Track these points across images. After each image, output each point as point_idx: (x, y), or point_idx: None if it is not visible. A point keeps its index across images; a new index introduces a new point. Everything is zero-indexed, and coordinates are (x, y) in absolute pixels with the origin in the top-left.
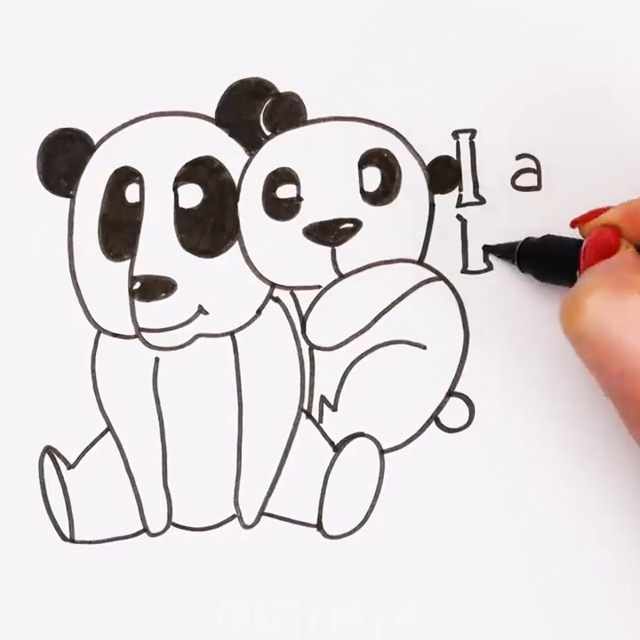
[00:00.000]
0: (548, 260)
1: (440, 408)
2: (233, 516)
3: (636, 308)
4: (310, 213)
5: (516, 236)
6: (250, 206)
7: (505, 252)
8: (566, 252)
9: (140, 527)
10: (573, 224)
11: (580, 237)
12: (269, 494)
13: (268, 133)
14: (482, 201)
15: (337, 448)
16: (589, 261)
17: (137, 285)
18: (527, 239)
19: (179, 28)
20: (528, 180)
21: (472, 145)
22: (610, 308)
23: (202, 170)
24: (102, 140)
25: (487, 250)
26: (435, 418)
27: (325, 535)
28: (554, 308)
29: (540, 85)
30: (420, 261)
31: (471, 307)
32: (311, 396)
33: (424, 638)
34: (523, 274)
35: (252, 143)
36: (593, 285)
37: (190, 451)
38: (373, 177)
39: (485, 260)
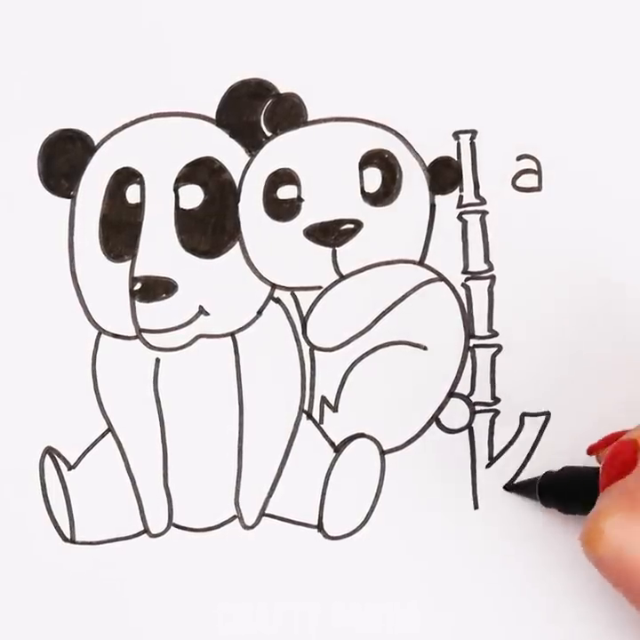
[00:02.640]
0: (570, 493)
1: (441, 409)
2: (233, 517)
3: None
4: (311, 214)
5: (517, 237)
6: (250, 207)
7: (526, 488)
8: (586, 482)
9: (141, 528)
10: (590, 451)
11: (596, 465)
12: (270, 495)
13: (268, 134)
14: (482, 202)
15: (337, 449)
16: (607, 479)
17: (137, 286)
18: (546, 473)
19: (179, 29)
20: (529, 180)
21: (473, 145)
22: (628, 530)
23: (202, 170)
24: (103, 141)
25: (508, 488)
26: (435, 418)
27: (326, 536)
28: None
29: (540, 86)
30: (421, 262)
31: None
32: (312, 396)
33: (424, 638)
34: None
35: (252, 144)
36: (610, 507)
37: (191, 451)
38: (374, 177)
39: (486, 260)
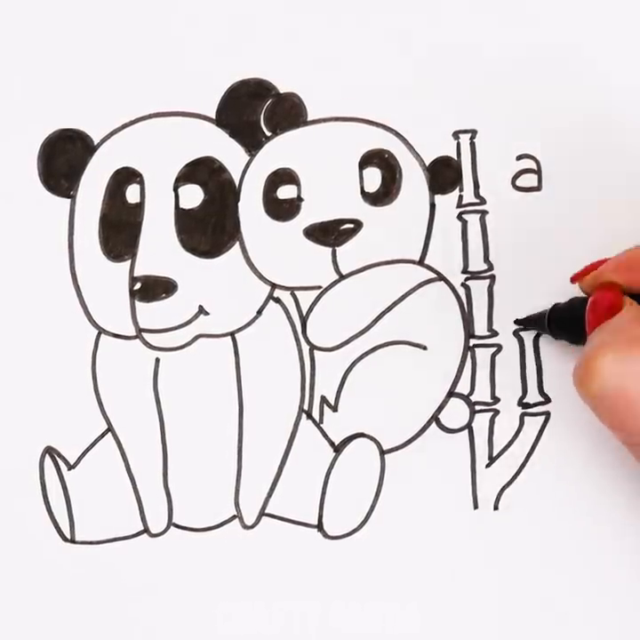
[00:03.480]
0: (576, 324)
1: (440, 408)
2: (233, 517)
3: None
4: (311, 214)
5: (517, 237)
6: (250, 207)
7: (535, 322)
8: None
9: (141, 528)
10: (573, 280)
11: None
12: (270, 495)
13: (268, 134)
14: (482, 201)
15: (337, 448)
16: (595, 323)
17: (137, 286)
18: (554, 306)
19: (179, 29)
20: (528, 180)
21: (473, 145)
22: (622, 367)
23: (202, 170)
24: (103, 141)
25: (519, 323)
26: (435, 418)
27: (326, 536)
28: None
29: (540, 86)
30: (421, 262)
31: (472, 307)
32: (311, 396)
33: (425, 638)
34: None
35: (252, 144)
36: (602, 346)
37: (191, 451)
38: (374, 177)
39: (486, 260)
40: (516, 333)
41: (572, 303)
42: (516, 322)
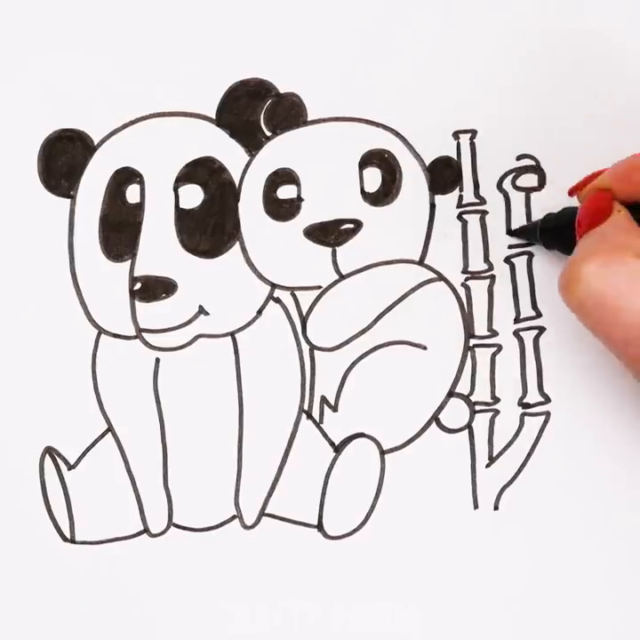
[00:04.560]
0: (568, 234)
1: (440, 408)
2: (233, 517)
3: (631, 272)
4: (311, 214)
5: (517, 238)
6: (250, 207)
7: (527, 232)
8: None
9: (141, 528)
10: (571, 192)
11: None
12: (270, 495)
13: (268, 134)
14: (482, 201)
15: (337, 448)
16: (584, 227)
17: (137, 286)
18: (546, 215)
19: (179, 29)
20: (528, 180)
21: (473, 145)
22: (605, 275)
23: (202, 170)
24: (103, 141)
25: (511, 233)
26: (435, 418)
27: (326, 536)
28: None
29: (540, 86)
30: (421, 262)
31: (472, 307)
32: (312, 396)
33: (425, 638)
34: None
35: (252, 144)
36: (587, 253)
37: (191, 451)
38: (374, 177)
39: (486, 260)
40: (515, 333)
41: (563, 212)
42: (508, 232)
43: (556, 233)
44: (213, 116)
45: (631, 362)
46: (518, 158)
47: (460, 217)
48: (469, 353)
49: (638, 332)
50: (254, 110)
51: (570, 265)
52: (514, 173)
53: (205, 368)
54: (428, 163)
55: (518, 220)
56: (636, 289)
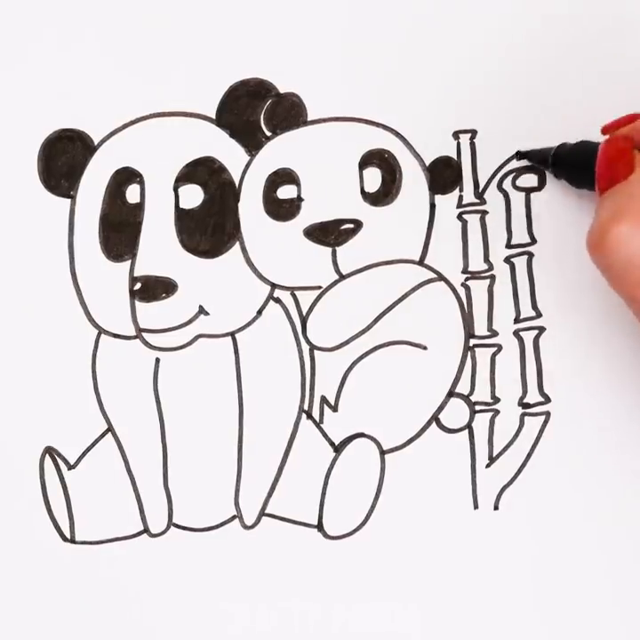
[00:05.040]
0: (581, 167)
1: (440, 408)
2: (233, 517)
3: None
4: (311, 214)
5: (517, 237)
6: (250, 207)
7: (539, 157)
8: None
9: (141, 528)
10: (604, 131)
11: None
12: (270, 495)
13: (268, 134)
14: (482, 201)
15: (337, 448)
16: (606, 181)
17: (137, 286)
18: (562, 144)
19: (179, 29)
20: (528, 180)
21: (473, 145)
22: (635, 238)
23: (202, 170)
24: (103, 141)
25: (520, 155)
26: (435, 418)
27: (326, 536)
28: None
29: (540, 86)
30: (421, 262)
31: (472, 307)
32: (312, 396)
33: (425, 638)
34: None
35: (252, 144)
36: (617, 213)
37: (191, 451)
38: (374, 177)
39: (486, 260)
40: (515, 333)
41: (580, 145)
42: (518, 154)
43: (569, 165)
44: (213, 116)
45: None
46: (519, 158)
47: (460, 217)
48: (469, 353)
49: None
50: (254, 110)
51: (598, 227)
52: (514, 173)
53: (205, 368)
54: (428, 163)
55: (518, 220)
56: None
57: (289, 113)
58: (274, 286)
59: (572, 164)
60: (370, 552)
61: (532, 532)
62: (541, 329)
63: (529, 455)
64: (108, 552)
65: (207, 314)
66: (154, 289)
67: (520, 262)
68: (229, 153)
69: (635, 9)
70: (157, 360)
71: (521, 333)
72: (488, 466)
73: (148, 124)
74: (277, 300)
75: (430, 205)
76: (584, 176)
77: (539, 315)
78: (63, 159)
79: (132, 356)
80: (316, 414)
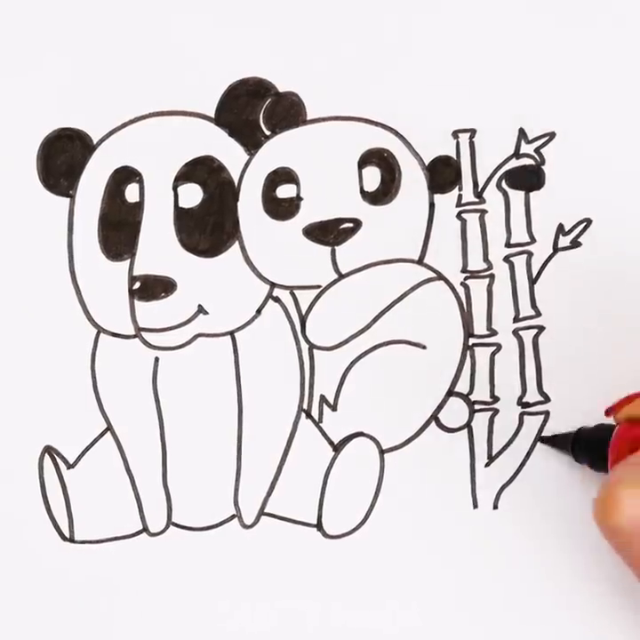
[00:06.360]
0: (603, 449)
1: (440, 408)
2: (233, 516)
3: None
4: (310, 213)
5: (516, 237)
6: (250, 206)
7: (559, 442)
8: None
9: (140, 527)
10: (607, 413)
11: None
12: (269, 494)
13: (267, 133)
14: (482, 200)
15: (337, 448)
16: (616, 457)
17: (137, 285)
18: (580, 429)
19: (179, 28)
20: (528, 179)
21: (472, 145)
22: None
23: (202, 169)
24: (102, 140)
25: (542, 441)
26: (434, 417)
27: (325, 535)
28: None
29: (539, 86)
30: (420, 261)
31: (471, 306)
32: (311, 395)
33: (425, 638)
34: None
35: (251, 143)
36: (627, 479)
37: (190, 450)
38: (373, 176)
39: (485, 259)
40: (515, 332)
41: (597, 429)
42: (541, 439)
43: (589, 448)
44: (213, 115)
45: None
46: (518, 158)
47: (459, 216)
48: (469, 352)
49: None
50: (253, 109)
51: (607, 490)
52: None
53: (205, 367)
54: (427, 162)
55: (517, 219)
56: None
57: (288, 112)
58: (273, 285)
59: (592, 449)
60: (369, 551)
61: (532, 531)
62: (541, 328)
63: (528, 454)
64: (107, 551)
65: (206, 313)
66: (153, 288)
67: (519, 261)
68: (229, 152)
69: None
70: (156, 359)
71: (520, 332)
72: (487, 465)
73: (148, 123)
74: (277, 300)
75: (429, 204)
76: (604, 459)
77: (538, 314)
78: (62, 158)
79: (132, 355)
80: (315, 413)
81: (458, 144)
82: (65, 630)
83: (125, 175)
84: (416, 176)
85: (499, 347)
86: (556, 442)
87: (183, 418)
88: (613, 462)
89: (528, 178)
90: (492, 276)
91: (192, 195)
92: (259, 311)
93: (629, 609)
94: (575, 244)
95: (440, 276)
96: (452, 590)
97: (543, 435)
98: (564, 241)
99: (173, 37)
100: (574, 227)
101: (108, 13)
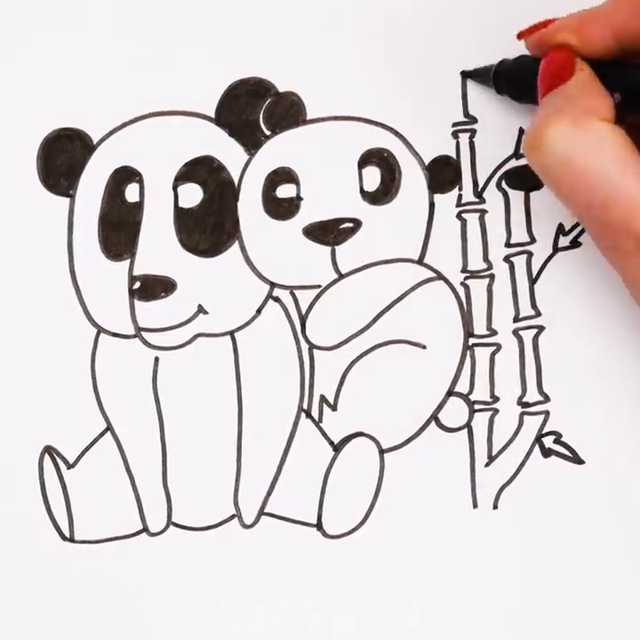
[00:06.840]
0: (523, 80)
1: (440, 408)
2: (233, 516)
3: (598, 136)
4: (310, 213)
5: (516, 236)
6: (250, 206)
7: (482, 74)
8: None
9: (140, 527)
10: (519, 36)
11: None
12: (269, 494)
13: (267, 133)
14: (481, 200)
15: (337, 448)
16: (546, 87)
17: (137, 285)
18: (502, 61)
19: (179, 28)
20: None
21: (472, 144)
22: (571, 138)
23: (201, 169)
24: (102, 140)
25: (465, 75)
26: (434, 417)
27: (325, 535)
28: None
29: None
30: (420, 261)
31: (471, 306)
32: (311, 395)
33: (425, 638)
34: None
35: (251, 143)
36: (553, 114)
37: (190, 450)
38: (373, 176)
39: (485, 259)
40: (515, 332)
41: (519, 60)
42: (463, 73)
43: (511, 79)
44: (213, 115)
45: (592, 225)
46: (518, 158)
47: (459, 216)
48: (469, 352)
49: (601, 196)
50: (253, 109)
51: (535, 125)
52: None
53: (205, 367)
54: (427, 162)
55: (517, 219)
56: (602, 153)
57: (288, 112)
58: (273, 285)
59: (515, 80)
60: (369, 551)
61: (532, 531)
62: (541, 328)
63: (528, 454)
64: (107, 551)
65: (206, 313)
66: (153, 288)
67: (519, 261)
68: (228, 152)
69: None
70: (156, 359)
71: (520, 332)
72: (487, 465)
73: (148, 122)
74: (277, 299)
75: (429, 204)
76: (527, 90)
77: (538, 314)
78: (62, 158)
79: (132, 354)
80: (315, 413)
81: (458, 144)
82: (65, 630)
83: (125, 175)
84: (416, 176)
85: (499, 347)
86: (478, 74)
87: (183, 418)
88: (543, 94)
89: (528, 178)
90: (491, 276)
91: (192, 195)
92: (259, 311)
93: (629, 609)
94: (575, 244)
95: (440, 276)
96: (451, 590)
97: (464, 70)
98: (564, 241)
99: (173, 37)
100: (574, 227)
101: (108, 13)
